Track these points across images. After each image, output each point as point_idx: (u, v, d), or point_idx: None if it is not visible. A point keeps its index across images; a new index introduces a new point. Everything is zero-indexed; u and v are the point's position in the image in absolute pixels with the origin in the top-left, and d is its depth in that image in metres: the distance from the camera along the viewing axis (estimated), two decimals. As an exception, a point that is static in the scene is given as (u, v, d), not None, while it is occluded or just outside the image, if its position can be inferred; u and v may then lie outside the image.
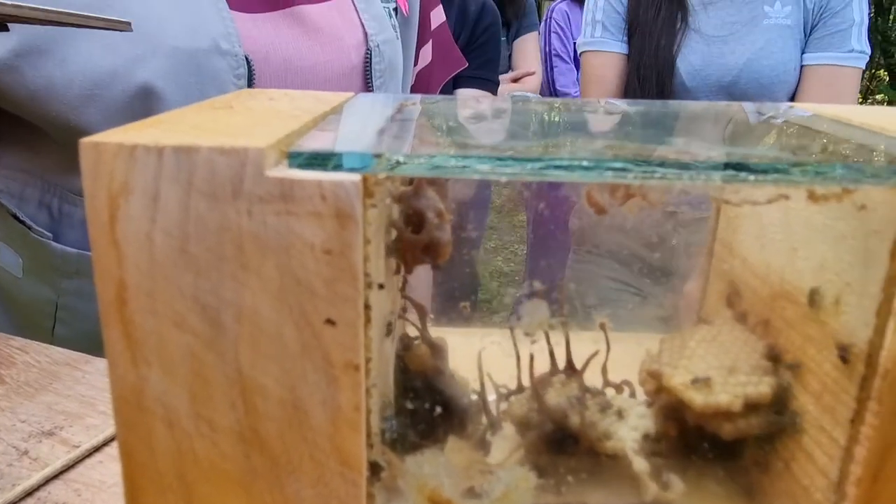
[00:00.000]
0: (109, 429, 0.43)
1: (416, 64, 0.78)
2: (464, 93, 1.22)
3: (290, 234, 0.20)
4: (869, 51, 1.04)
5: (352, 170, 0.20)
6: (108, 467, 0.40)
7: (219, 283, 0.21)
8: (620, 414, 0.29)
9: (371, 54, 0.63)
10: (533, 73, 1.53)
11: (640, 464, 0.28)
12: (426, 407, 0.29)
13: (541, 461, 0.28)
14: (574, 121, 0.31)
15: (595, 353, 0.30)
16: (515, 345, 0.29)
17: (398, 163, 0.21)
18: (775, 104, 0.32)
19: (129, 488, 0.23)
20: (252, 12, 0.57)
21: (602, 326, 0.30)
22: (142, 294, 0.21)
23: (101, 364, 0.50)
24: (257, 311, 0.21)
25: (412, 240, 0.26)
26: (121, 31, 0.42)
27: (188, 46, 0.52)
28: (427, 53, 0.79)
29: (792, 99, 1.06)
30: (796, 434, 0.26)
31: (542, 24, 1.75)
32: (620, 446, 0.28)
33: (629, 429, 0.28)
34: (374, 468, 0.24)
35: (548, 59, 1.72)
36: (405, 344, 0.30)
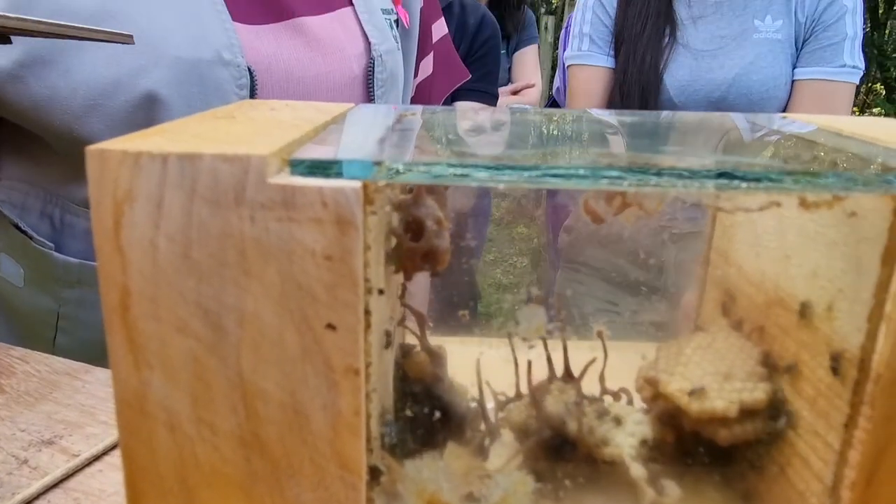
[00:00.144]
0: (109, 438, 0.43)
1: (416, 76, 0.79)
2: (463, 105, 1.22)
3: (292, 240, 0.21)
4: (863, 66, 1.01)
5: (352, 177, 0.21)
6: (108, 476, 0.40)
7: (221, 288, 0.21)
8: (618, 421, 0.29)
9: (373, 64, 0.64)
10: (533, 86, 1.54)
11: (637, 470, 0.28)
12: (425, 413, 0.29)
13: (539, 467, 0.28)
14: (571, 131, 0.32)
15: (592, 361, 0.30)
16: (514, 352, 0.29)
17: (398, 171, 0.21)
18: (767, 115, 0.33)
19: (130, 493, 0.24)
20: (254, 24, 0.57)
21: (599, 334, 0.31)
22: (145, 299, 0.22)
23: (101, 374, 0.50)
24: (259, 316, 0.22)
25: (411, 247, 0.26)
26: (124, 43, 0.42)
27: (191, 57, 0.52)
28: (428, 65, 0.80)
29: None
30: (791, 439, 0.27)
31: (563, 31, 1.76)
32: (618, 453, 0.28)
33: (626, 435, 0.28)
34: (374, 472, 0.24)
35: (564, 67, 1.73)
36: (405, 351, 0.31)
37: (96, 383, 0.49)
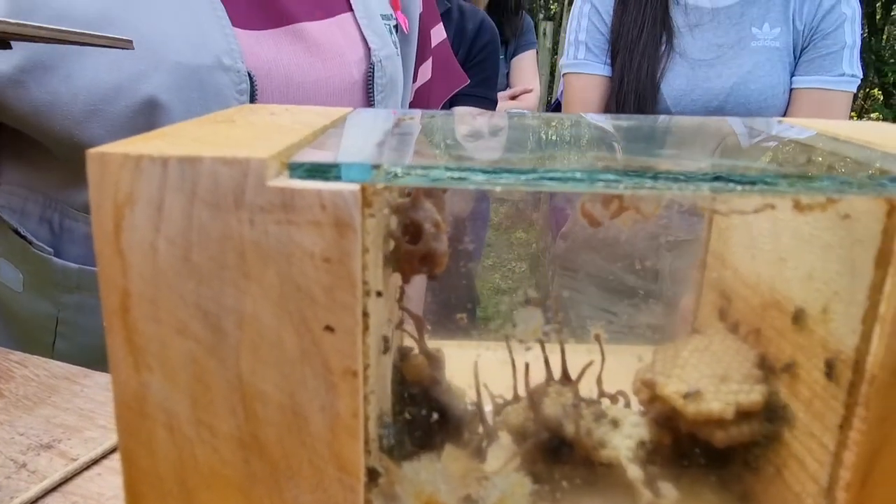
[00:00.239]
0: (108, 442, 0.43)
1: (415, 81, 0.79)
2: (461, 110, 1.23)
3: (291, 242, 0.21)
4: (861, 74, 1.00)
5: (351, 180, 0.21)
6: (107, 480, 0.40)
7: (220, 290, 0.22)
8: (615, 423, 0.30)
9: (373, 69, 0.64)
10: (531, 91, 1.55)
11: (634, 472, 0.28)
12: (423, 416, 0.29)
13: (536, 469, 0.28)
14: (567, 135, 0.32)
15: (590, 363, 0.30)
16: (511, 355, 0.29)
17: (396, 174, 0.22)
18: (764, 119, 0.33)
19: (129, 494, 0.24)
20: (254, 29, 0.58)
21: (597, 337, 0.31)
22: (145, 301, 0.22)
23: (100, 378, 0.50)
24: (258, 318, 0.22)
25: (409, 250, 0.27)
26: (123, 48, 0.43)
27: (191, 62, 0.52)
28: (427, 70, 0.80)
29: None
30: (787, 440, 0.27)
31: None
32: (615, 455, 0.28)
33: (623, 437, 0.28)
34: (372, 474, 0.24)
35: None
36: (403, 354, 0.31)
37: (95, 387, 0.49)
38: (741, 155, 0.30)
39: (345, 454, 0.23)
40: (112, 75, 0.51)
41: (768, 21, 0.99)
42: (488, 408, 0.31)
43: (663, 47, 1.00)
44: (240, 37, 0.56)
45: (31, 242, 0.58)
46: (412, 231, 0.26)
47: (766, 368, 0.27)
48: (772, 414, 0.27)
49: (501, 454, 0.30)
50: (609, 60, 1.05)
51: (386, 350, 0.26)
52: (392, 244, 0.26)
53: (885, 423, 0.23)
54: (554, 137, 0.34)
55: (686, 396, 0.27)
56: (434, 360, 0.31)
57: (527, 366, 0.29)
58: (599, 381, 0.31)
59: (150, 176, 0.21)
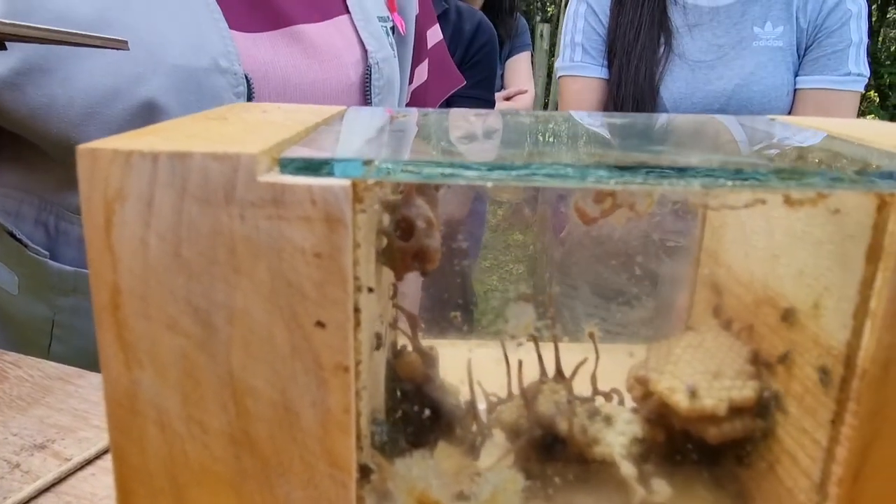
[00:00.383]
0: (102, 442, 0.43)
1: (411, 82, 0.79)
2: (456, 110, 1.22)
3: (281, 237, 0.21)
4: (868, 73, 0.96)
5: (341, 176, 0.21)
6: (101, 480, 0.40)
7: (211, 286, 0.22)
8: (608, 420, 0.29)
9: (370, 71, 0.64)
10: (525, 92, 1.55)
11: (627, 468, 0.28)
12: (416, 413, 0.29)
13: (530, 466, 0.28)
14: (560, 132, 0.32)
15: (584, 361, 0.30)
16: (505, 353, 0.29)
17: (387, 169, 0.22)
18: (753, 117, 0.33)
19: (121, 492, 0.24)
20: (251, 31, 0.58)
21: (591, 336, 0.31)
22: (135, 297, 0.22)
23: (93, 378, 0.50)
24: (249, 314, 0.22)
25: (402, 247, 0.27)
26: (118, 49, 0.43)
27: (189, 65, 0.52)
28: (423, 72, 0.81)
29: None
30: (780, 436, 0.27)
31: None
32: (608, 452, 0.28)
33: (616, 434, 0.28)
34: (364, 471, 0.24)
35: None
36: (396, 352, 0.31)
37: (89, 388, 0.49)
38: (730, 151, 0.30)
39: (336, 450, 0.23)
40: (109, 78, 0.51)
41: (770, 19, 0.95)
42: (482, 406, 0.31)
43: (662, 49, 0.97)
44: (237, 39, 0.56)
45: (26, 245, 0.58)
46: (404, 228, 0.26)
47: (761, 363, 0.27)
48: (764, 410, 0.27)
49: (495, 452, 0.30)
50: (606, 62, 1.02)
51: (378, 346, 0.26)
52: (384, 241, 0.26)
53: (877, 418, 0.23)
54: (546, 134, 0.34)
55: (691, 395, 0.27)
56: (428, 357, 0.31)
57: (520, 363, 0.29)
58: (593, 379, 0.31)
59: (140, 171, 0.21)
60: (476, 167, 0.22)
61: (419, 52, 0.79)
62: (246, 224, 0.21)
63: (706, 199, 0.21)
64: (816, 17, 0.94)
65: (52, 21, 0.50)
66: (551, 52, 3.60)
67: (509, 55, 1.58)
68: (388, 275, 0.28)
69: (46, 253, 0.59)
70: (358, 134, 0.28)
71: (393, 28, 0.71)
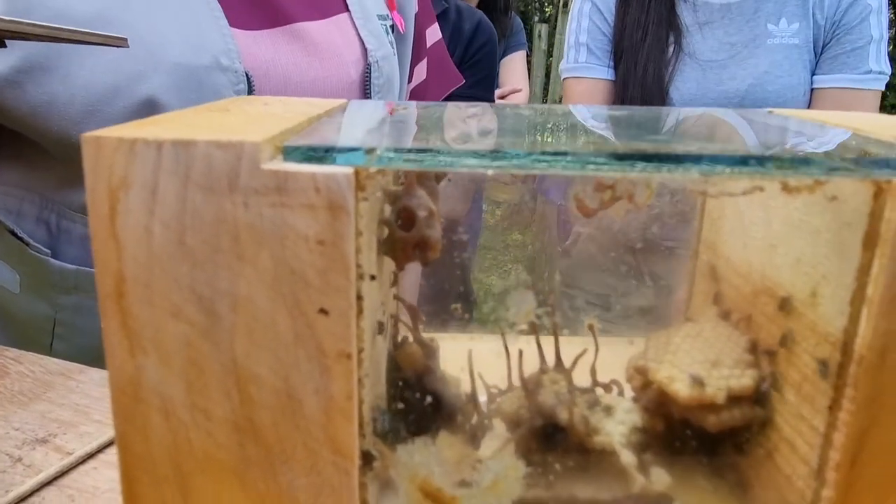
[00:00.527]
0: (103, 436, 0.43)
1: (410, 81, 0.79)
2: (455, 104, 1.22)
3: (285, 225, 0.21)
4: (889, 70, 0.90)
5: (344, 163, 0.21)
6: (103, 473, 0.40)
7: (215, 273, 0.22)
8: (608, 410, 0.30)
9: (370, 70, 0.65)
10: (520, 91, 1.55)
11: (627, 457, 0.28)
12: (417, 404, 0.29)
13: (531, 456, 0.28)
14: (560, 123, 0.32)
15: (583, 352, 0.30)
16: (505, 343, 0.30)
17: (389, 157, 0.22)
18: (752, 110, 0.33)
19: (125, 480, 0.24)
20: (252, 29, 0.58)
21: (590, 328, 0.31)
22: (140, 285, 0.22)
23: (95, 374, 0.50)
24: (252, 301, 0.22)
25: (403, 237, 0.27)
26: (117, 46, 0.43)
27: (189, 62, 0.53)
28: (422, 71, 0.81)
29: None
30: (778, 424, 0.27)
31: None
32: (608, 441, 0.29)
33: (616, 423, 0.29)
34: (367, 458, 0.24)
35: None
36: (397, 343, 0.31)
37: (90, 383, 0.49)
38: (727, 139, 0.30)
39: (339, 437, 0.23)
40: (110, 76, 0.52)
41: (785, 16, 0.90)
42: (482, 398, 0.31)
43: (671, 48, 0.91)
44: (237, 37, 0.56)
45: (28, 244, 0.59)
46: (405, 218, 0.27)
47: (759, 351, 0.28)
48: (762, 398, 0.27)
49: (495, 442, 0.30)
50: (612, 63, 0.97)
51: (381, 331, 0.26)
52: (386, 231, 0.27)
53: (874, 404, 0.23)
54: (545, 126, 0.34)
55: (696, 384, 0.27)
56: (428, 348, 0.31)
57: (520, 353, 0.29)
58: (593, 371, 0.31)
59: (144, 159, 0.21)
60: (477, 155, 0.22)
61: (418, 50, 0.79)
62: (249, 212, 0.21)
63: (704, 186, 0.21)
64: (834, 12, 0.90)
65: (52, 19, 0.50)
66: (549, 53, 3.60)
67: (504, 54, 1.59)
68: (388, 264, 0.28)
69: (48, 251, 0.59)
70: (359, 124, 0.29)
71: (392, 26, 0.71)
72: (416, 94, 0.81)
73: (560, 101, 1.70)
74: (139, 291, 0.22)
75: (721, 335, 0.29)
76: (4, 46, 0.46)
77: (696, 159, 0.22)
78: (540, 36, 3.58)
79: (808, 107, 0.92)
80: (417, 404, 0.29)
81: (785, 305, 0.27)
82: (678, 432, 0.28)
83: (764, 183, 0.21)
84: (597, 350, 0.30)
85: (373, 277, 0.24)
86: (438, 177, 0.29)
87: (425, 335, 0.31)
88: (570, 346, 0.30)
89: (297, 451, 0.23)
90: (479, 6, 1.49)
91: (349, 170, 0.21)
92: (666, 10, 0.92)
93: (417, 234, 0.27)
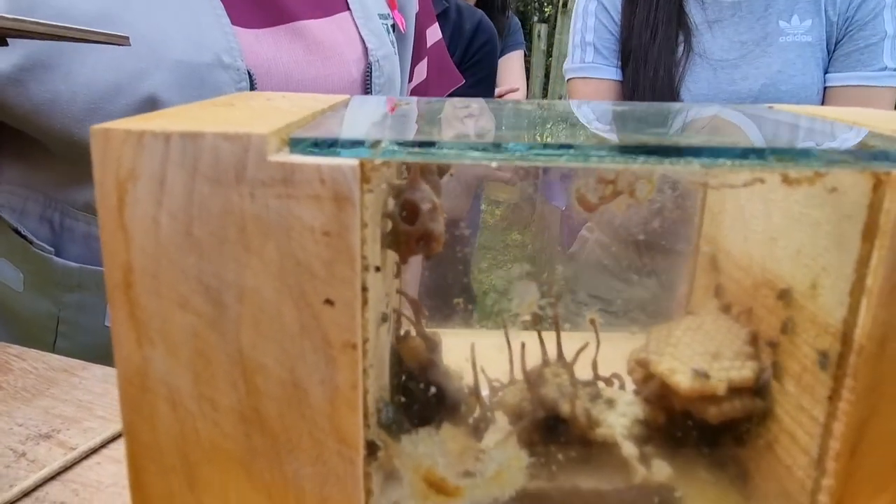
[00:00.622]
0: (107, 432, 0.43)
1: (410, 81, 0.80)
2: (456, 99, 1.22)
3: (291, 216, 0.21)
4: None
5: (349, 155, 0.22)
6: (106, 468, 0.40)
7: (221, 264, 0.22)
8: (610, 403, 0.30)
9: (371, 69, 0.65)
10: (517, 90, 1.56)
11: (629, 449, 0.28)
12: (420, 397, 0.29)
13: (533, 447, 0.28)
14: (562, 117, 0.33)
15: (585, 345, 0.31)
16: (507, 336, 0.30)
17: (394, 150, 0.22)
18: (753, 106, 0.33)
19: (132, 470, 0.24)
20: (254, 27, 0.58)
21: (592, 322, 0.31)
22: (147, 276, 0.22)
23: (98, 370, 0.51)
24: (258, 292, 0.22)
25: (406, 230, 0.27)
26: (119, 45, 0.43)
27: (192, 60, 0.53)
28: (422, 70, 0.81)
29: None
30: (779, 416, 0.27)
31: None
32: (610, 433, 0.29)
33: (618, 415, 0.29)
34: (371, 447, 0.25)
35: None
36: (400, 337, 0.31)
37: (93, 379, 0.49)
38: (727, 133, 0.30)
39: (344, 427, 0.23)
40: (112, 74, 0.52)
41: (797, 13, 0.87)
42: (485, 392, 0.31)
43: (681, 48, 0.88)
44: (239, 35, 0.56)
45: (31, 242, 0.59)
46: (409, 211, 0.27)
47: (760, 342, 0.28)
48: (763, 389, 0.27)
49: (498, 435, 0.31)
50: (620, 63, 0.94)
51: (384, 321, 0.27)
52: (389, 225, 0.27)
53: (873, 393, 0.23)
54: (547, 120, 0.35)
55: (701, 377, 0.28)
56: (431, 342, 0.31)
57: (523, 345, 0.29)
58: (594, 365, 0.31)
59: (152, 151, 0.21)
60: (480, 148, 0.22)
61: (418, 50, 0.79)
62: (256, 203, 0.21)
63: (706, 178, 0.22)
64: (847, 8, 0.87)
65: (55, 17, 0.50)
66: (549, 53, 3.61)
67: (501, 53, 1.59)
68: (391, 258, 0.28)
69: (52, 249, 0.59)
70: (363, 118, 0.29)
71: (393, 25, 0.72)
72: (416, 94, 0.81)
73: (560, 101, 1.69)
74: (147, 282, 0.22)
75: (722, 328, 0.29)
76: (6, 45, 0.46)
77: (698, 152, 0.22)
78: (539, 36, 3.59)
79: (822, 105, 0.88)
80: (420, 397, 0.30)
81: (785, 296, 0.27)
82: (679, 424, 0.28)
83: (764, 175, 0.22)
84: (598, 344, 0.30)
85: (377, 269, 0.24)
86: (441, 172, 0.29)
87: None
88: (572, 342, 0.31)
89: (302, 440, 0.23)
90: (476, 5, 1.50)
91: (354, 162, 0.21)
92: (675, 9, 0.89)
93: (421, 227, 0.27)
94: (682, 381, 0.27)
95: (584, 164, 0.22)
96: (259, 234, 0.22)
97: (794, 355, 0.27)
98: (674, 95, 0.89)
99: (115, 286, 0.22)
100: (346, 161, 0.21)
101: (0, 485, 0.38)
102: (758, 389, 0.27)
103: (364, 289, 0.23)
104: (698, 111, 0.35)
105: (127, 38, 0.43)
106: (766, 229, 0.29)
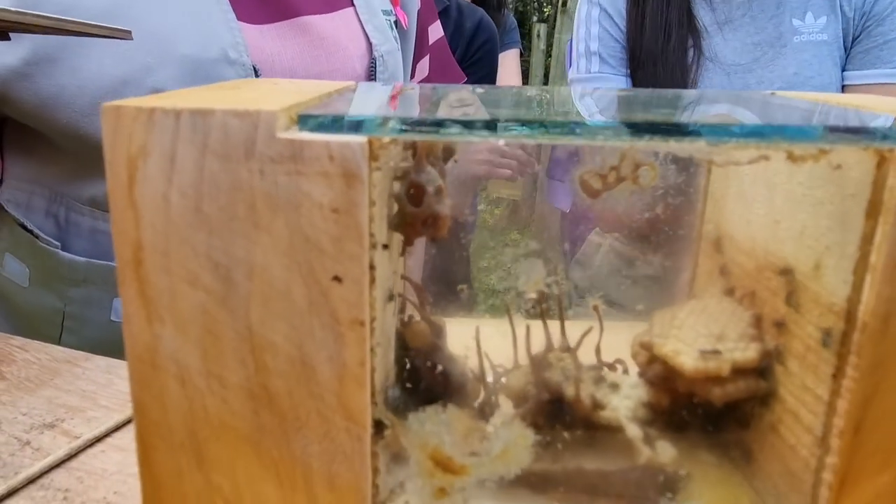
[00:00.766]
0: (111, 421, 0.43)
1: (412, 78, 0.80)
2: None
3: (300, 193, 0.22)
4: None
5: (358, 133, 0.22)
6: (111, 456, 0.41)
7: (231, 241, 0.22)
8: (614, 386, 0.30)
9: (375, 64, 0.65)
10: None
11: (633, 431, 0.29)
12: (425, 380, 0.30)
13: (538, 429, 0.29)
14: (566, 100, 0.33)
15: (589, 330, 0.31)
16: (511, 321, 0.30)
17: (402, 128, 0.22)
18: (755, 91, 0.34)
19: (141, 447, 0.24)
20: (259, 23, 0.58)
21: (595, 308, 0.32)
22: (157, 253, 0.22)
23: (100, 361, 0.51)
24: (267, 269, 0.22)
25: (413, 212, 0.27)
26: (122, 39, 0.43)
27: (198, 55, 0.53)
28: (424, 68, 0.81)
29: None
30: (783, 396, 0.27)
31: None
32: (614, 416, 0.29)
33: (622, 398, 0.29)
34: (378, 426, 0.25)
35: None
36: (404, 321, 0.31)
37: (96, 370, 0.49)
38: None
39: (352, 404, 0.23)
40: (118, 68, 0.52)
41: (811, 9, 0.83)
42: (489, 378, 0.32)
43: (691, 53, 0.84)
44: (244, 30, 0.56)
45: (37, 236, 0.59)
46: (415, 193, 0.27)
47: (764, 323, 0.28)
48: (766, 370, 0.27)
49: (503, 419, 0.31)
50: (628, 71, 0.88)
51: (391, 300, 0.27)
52: (396, 206, 0.27)
53: (877, 371, 0.23)
54: (553, 104, 0.35)
55: (704, 355, 0.28)
56: (435, 327, 0.32)
57: (527, 328, 0.29)
58: (598, 351, 0.31)
59: (162, 128, 0.21)
60: (490, 125, 0.22)
61: (420, 47, 0.80)
62: (265, 180, 0.22)
63: (711, 156, 0.22)
64: (863, 2, 0.83)
65: (61, 13, 0.51)
66: (548, 53, 3.62)
67: None
68: (396, 240, 0.29)
69: (58, 244, 0.59)
70: (371, 100, 0.29)
71: (396, 22, 0.72)
72: (418, 90, 0.81)
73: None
74: (157, 259, 0.22)
75: (725, 310, 0.29)
76: (8, 39, 0.47)
77: (704, 129, 0.22)
78: (539, 36, 3.60)
79: None
80: (425, 381, 0.30)
81: (787, 273, 0.27)
82: (683, 405, 0.28)
83: (769, 152, 0.22)
84: (601, 331, 0.31)
85: (385, 246, 0.24)
86: (446, 155, 0.30)
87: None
88: (575, 330, 0.31)
89: (310, 417, 0.24)
90: (473, 3, 1.50)
91: (363, 139, 0.21)
92: (683, 12, 0.85)
93: (427, 209, 0.27)
94: (687, 361, 0.27)
95: (591, 141, 0.22)
96: (268, 211, 0.22)
97: (797, 336, 0.27)
98: None
99: (125, 263, 0.23)
100: (355, 138, 0.21)
101: (5, 472, 0.38)
102: (761, 370, 0.28)
103: (372, 266, 0.23)
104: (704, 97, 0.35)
105: (129, 32, 0.43)
106: (769, 212, 0.29)
